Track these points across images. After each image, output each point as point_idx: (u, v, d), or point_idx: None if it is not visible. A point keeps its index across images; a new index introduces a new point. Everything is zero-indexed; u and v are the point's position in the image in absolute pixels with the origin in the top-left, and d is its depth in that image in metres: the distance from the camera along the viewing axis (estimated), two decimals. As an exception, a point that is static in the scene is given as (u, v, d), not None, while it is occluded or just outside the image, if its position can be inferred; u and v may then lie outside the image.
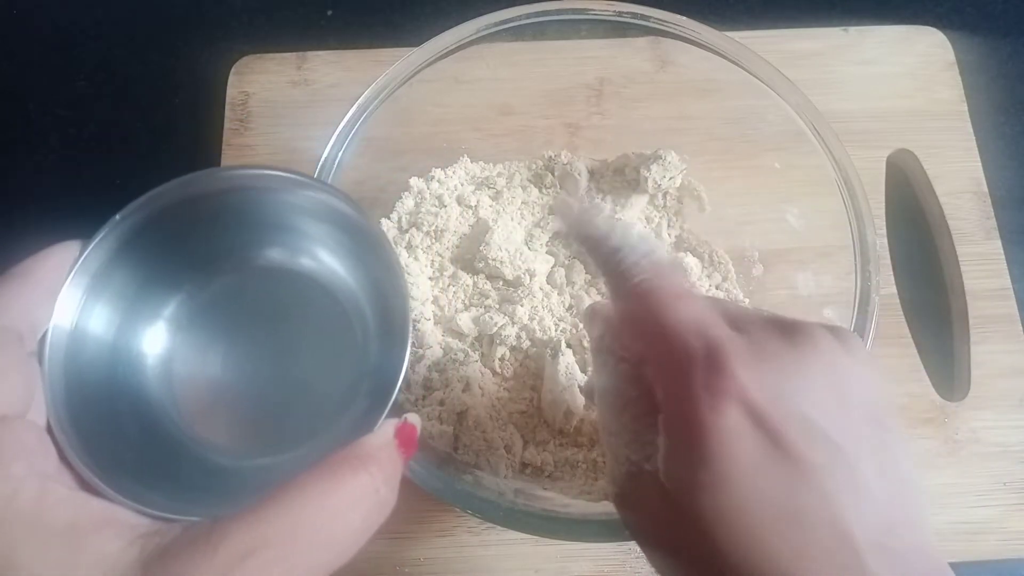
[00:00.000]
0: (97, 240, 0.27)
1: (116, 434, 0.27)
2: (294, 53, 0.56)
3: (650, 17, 0.43)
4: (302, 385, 0.30)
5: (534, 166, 0.52)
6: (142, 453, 0.27)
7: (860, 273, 0.39)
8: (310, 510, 0.21)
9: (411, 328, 0.27)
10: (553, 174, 0.51)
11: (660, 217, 0.50)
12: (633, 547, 0.45)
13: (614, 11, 0.43)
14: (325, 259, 0.32)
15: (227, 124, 0.54)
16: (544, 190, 0.51)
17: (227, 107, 0.55)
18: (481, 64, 0.44)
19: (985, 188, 0.53)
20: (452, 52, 0.43)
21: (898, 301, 0.50)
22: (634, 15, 0.43)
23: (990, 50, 0.59)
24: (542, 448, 0.44)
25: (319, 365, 0.31)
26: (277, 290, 0.32)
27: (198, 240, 0.30)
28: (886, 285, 0.48)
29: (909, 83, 0.56)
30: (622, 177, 0.51)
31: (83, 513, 0.22)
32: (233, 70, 0.56)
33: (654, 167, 0.48)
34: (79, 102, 0.58)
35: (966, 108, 0.56)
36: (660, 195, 0.50)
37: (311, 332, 0.31)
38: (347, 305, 0.31)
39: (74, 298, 0.27)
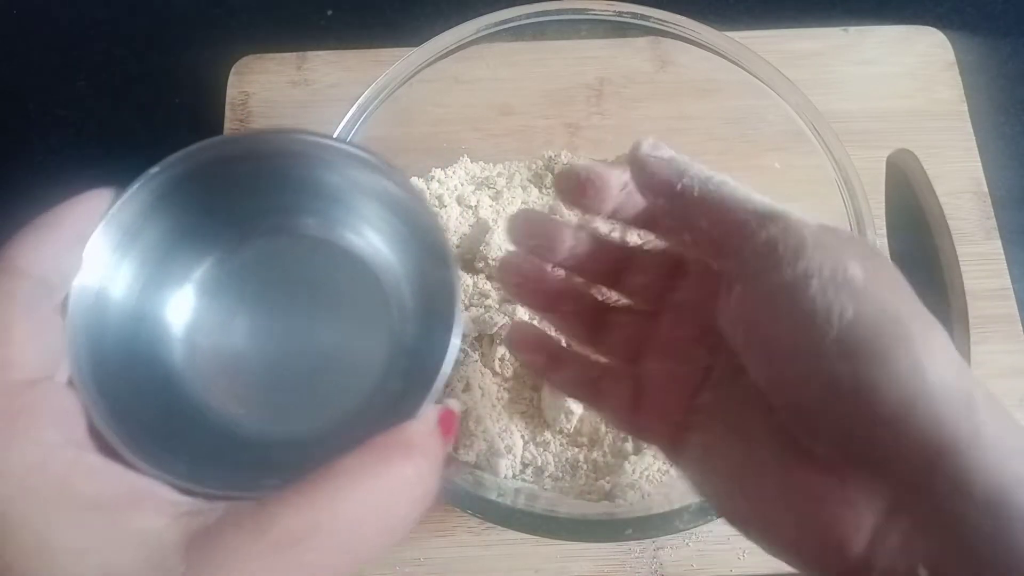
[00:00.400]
0: (131, 192, 0.26)
1: (140, 400, 0.25)
2: (294, 53, 0.56)
3: (650, 17, 0.43)
4: (330, 360, 0.29)
5: (534, 166, 0.52)
6: (166, 421, 0.26)
7: (860, 273, 0.39)
8: (359, 497, 0.20)
9: (459, 313, 0.26)
10: (553, 174, 0.51)
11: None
12: (633, 547, 0.45)
13: (614, 11, 0.43)
14: (367, 235, 0.30)
15: (227, 124, 0.54)
16: (544, 190, 0.51)
17: (227, 107, 0.55)
18: (481, 64, 0.44)
19: (985, 188, 0.53)
20: (452, 52, 0.43)
21: (898, 301, 0.50)
22: (634, 15, 0.43)
23: (990, 50, 0.59)
24: (542, 448, 0.44)
25: (350, 341, 0.30)
26: (312, 261, 0.30)
27: (236, 201, 0.29)
28: (886, 285, 0.48)
29: (909, 83, 0.56)
30: (622, 177, 0.51)
31: (121, 486, 0.20)
32: (233, 70, 0.56)
33: (654, 167, 0.48)
34: (79, 102, 0.58)
35: (966, 108, 0.56)
36: (660, 195, 0.50)
37: (343, 306, 0.30)
38: (385, 283, 0.30)
39: (101, 252, 0.25)
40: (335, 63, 0.56)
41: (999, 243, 0.52)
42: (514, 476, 0.43)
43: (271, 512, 0.20)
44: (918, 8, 0.60)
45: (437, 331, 0.26)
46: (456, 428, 0.25)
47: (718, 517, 0.27)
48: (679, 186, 0.25)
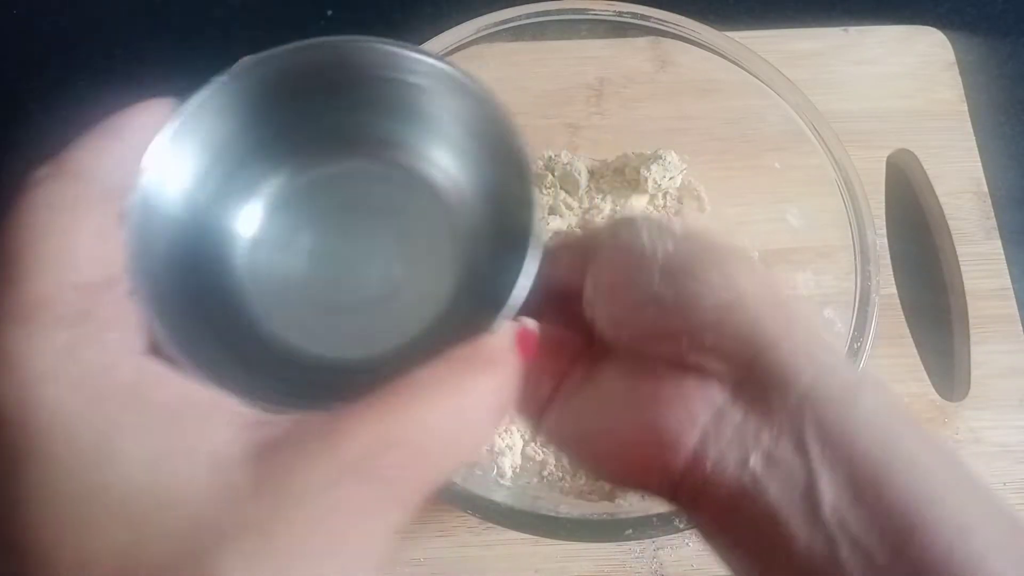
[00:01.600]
0: (198, 100, 0.24)
1: (199, 316, 0.24)
2: (294, 53, 0.56)
3: (650, 17, 0.43)
4: (396, 286, 0.28)
5: (534, 166, 0.52)
6: (226, 339, 0.24)
7: (860, 273, 0.39)
8: (439, 410, 0.20)
9: (538, 229, 0.25)
10: (553, 174, 0.51)
11: (660, 217, 0.50)
12: (633, 547, 0.45)
13: (614, 11, 0.43)
14: (442, 157, 0.29)
15: (227, 124, 0.54)
16: (544, 190, 0.51)
17: (227, 107, 0.55)
18: (481, 64, 0.44)
19: (985, 188, 0.54)
20: (452, 52, 0.43)
21: (898, 301, 0.50)
22: (634, 15, 0.43)
23: (990, 50, 0.59)
24: (542, 448, 0.44)
25: (417, 267, 0.28)
26: (381, 184, 0.29)
27: (309, 114, 0.27)
28: (886, 285, 0.48)
29: (909, 83, 0.56)
30: (622, 177, 0.51)
31: (186, 395, 0.19)
32: (233, 70, 0.56)
33: (654, 167, 0.48)
34: (79, 102, 0.58)
35: (966, 108, 0.56)
36: (660, 195, 0.50)
37: (412, 232, 0.29)
38: (458, 207, 0.28)
39: (164, 160, 0.23)
40: (335, 63, 0.56)
41: (999, 243, 0.52)
42: (514, 476, 0.43)
43: (344, 425, 0.18)
44: (918, 8, 0.60)
45: (514, 250, 0.25)
46: (535, 352, 0.24)
47: (576, 464, 0.29)
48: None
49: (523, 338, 0.24)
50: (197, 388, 0.20)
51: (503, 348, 0.23)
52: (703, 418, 0.24)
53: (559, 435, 0.28)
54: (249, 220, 0.27)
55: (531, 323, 0.24)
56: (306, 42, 0.25)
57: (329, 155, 0.28)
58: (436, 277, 0.28)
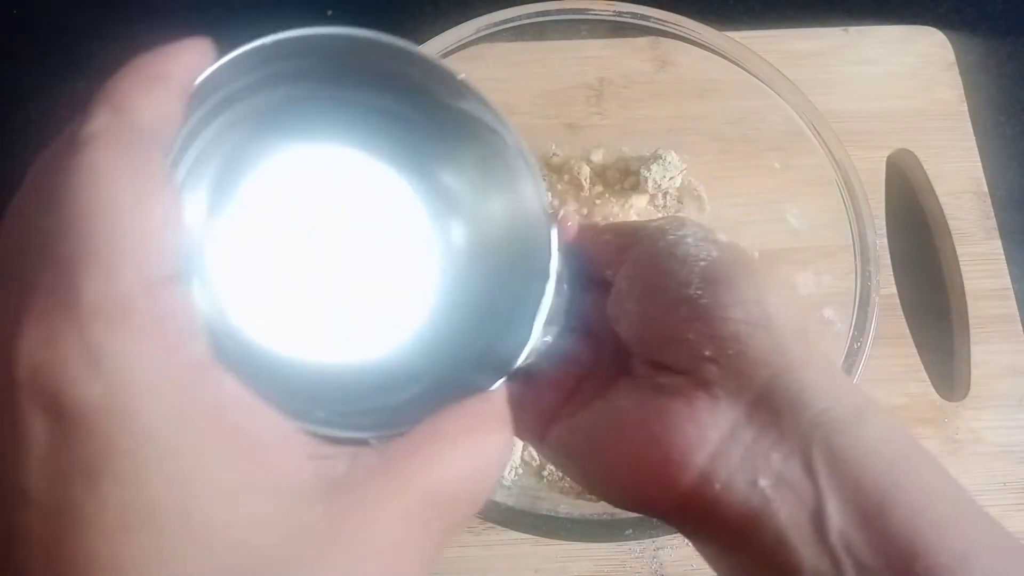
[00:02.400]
0: (233, 56, 0.23)
1: (225, 311, 0.22)
2: (294, 53, 0.56)
3: (650, 17, 0.43)
4: (377, 293, 0.27)
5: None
6: (246, 339, 0.23)
7: (860, 273, 0.39)
8: (460, 464, 0.20)
9: (553, 276, 0.24)
10: (559, 174, 0.51)
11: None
12: (633, 547, 0.45)
13: (614, 11, 0.43)
14: (447, 174, 0.28)
15: (227, 124, 0.54)
16: (550, 192, 0.51)
17: (227, 107, 0.55)
18: (481, 64, 0.44)
19: (985, 188, 0.53)
20: (452, 52, 0.43)
21: (898, 301, 0.50)
22: (634, 15, 0.43)
23: (990, 50, 0.59)
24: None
25: (399, 277, 0.27)
26: (377, 190, 0.27)
27: (323, 108, 0.26)
28: (886, 285, 0.49)
29: (909, 83, 0.56)
30: (622, 178, 0.51)
31: (260, 419, 0.18)
32: (233, 70, 0.56)
33: (654, 167, 0.48)
34: (79, 102, 0.58)
35: (966, 108, 0.56)
36: (660, 195, 0.50)
37: (399, 242, 0.27)
38: (454, 226, 0.28)
39: (197, 120, 0.21)
40: (335, 63, 0.56)
41: (999, 243, 0.52)
42: (514, 476, 0.43)
43: (399, 470, 0.19)
44: (918, 8, 0.60)
45: (522, 288, 0.24)
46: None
47: (578, 480, 0.29)
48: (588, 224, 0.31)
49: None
50: (267, 412, 0.18)
51: (506, 404, 0.23)
52: (713, 436, 0.24)
53: (563, 449, 0.28)
54: (242, 203, 0.25)
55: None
56: (375, 36, 0.25)
57: (327, 150, 0.27)
58: (422, 289, 0.27)
